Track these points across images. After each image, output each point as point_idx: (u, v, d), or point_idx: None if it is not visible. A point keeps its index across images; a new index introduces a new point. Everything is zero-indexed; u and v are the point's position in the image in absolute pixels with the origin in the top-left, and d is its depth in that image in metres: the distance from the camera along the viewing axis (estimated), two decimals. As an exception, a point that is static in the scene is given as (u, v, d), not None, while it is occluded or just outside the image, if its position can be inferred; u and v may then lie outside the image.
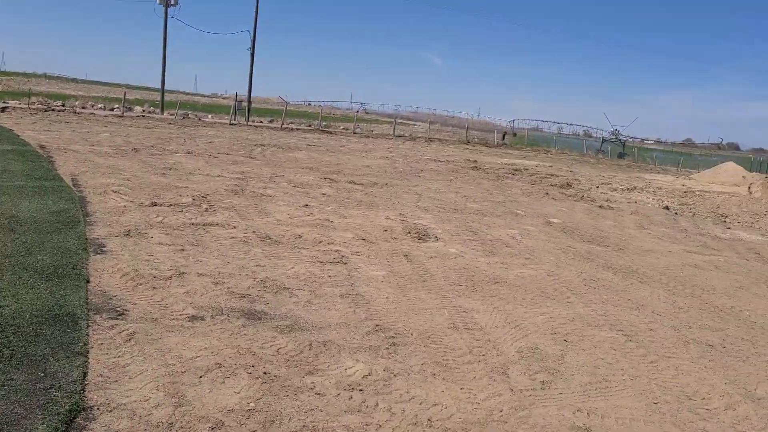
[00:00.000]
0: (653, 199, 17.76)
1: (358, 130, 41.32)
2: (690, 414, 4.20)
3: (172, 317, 4.89)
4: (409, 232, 9.02)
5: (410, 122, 70.73)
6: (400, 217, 10.25)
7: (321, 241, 8.00)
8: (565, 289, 6.95)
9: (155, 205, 9.02)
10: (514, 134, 59.53)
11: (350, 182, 14.28)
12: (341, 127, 41.91)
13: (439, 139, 42.16)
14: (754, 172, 30.23)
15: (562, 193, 16.76)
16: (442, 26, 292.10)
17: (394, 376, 4.24)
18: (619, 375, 4.72)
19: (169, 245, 7.00)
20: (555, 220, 11.83)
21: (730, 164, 28.80)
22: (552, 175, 21.82)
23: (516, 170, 22.24)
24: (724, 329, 6.20)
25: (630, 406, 4.21)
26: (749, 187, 17.81)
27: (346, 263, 7.07)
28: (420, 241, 8.63)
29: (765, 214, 15.11)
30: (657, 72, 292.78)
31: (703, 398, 4.49)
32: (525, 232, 10.18)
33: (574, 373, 4.66)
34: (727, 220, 15.01)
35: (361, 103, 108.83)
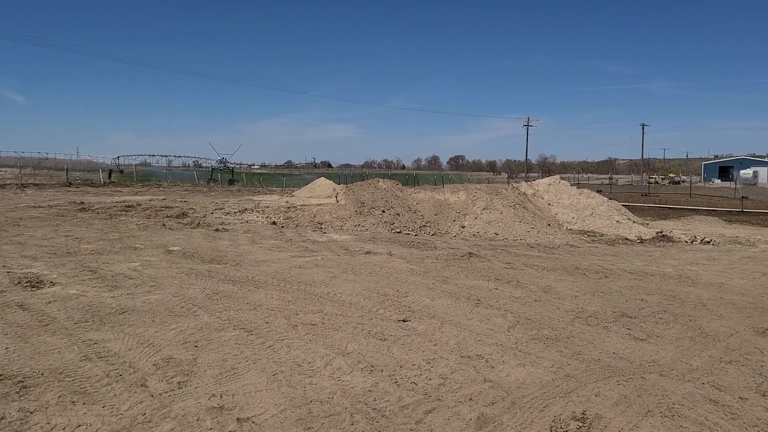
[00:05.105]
0: (262, 217, 19.60)
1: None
2: (300, 375, 5.30)
3: None
4: (19, 282, 8.46)
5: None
6: (4, 269, 9.42)
7: None
8: (191, 305, 7.58)
9: None
10: (121, 171, 57.50)
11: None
12: None
13: (35, 184, 38.10)
14: (341, 184, 35.43)
15: (179, 223, 17.28)
16: (21, 60, 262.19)
17: (31, 413, 4.29)
18: (244, 362, 5.58)
19: None
20: (175, 248, 12.33)
21: (322, 179, 33.20)
22: (167, 207, 22.06)
23: (129, 207, 21.81)
24: (322, 310, 7.66)
25: (255, 382, 5.09)
26: (336, 197, 21.10)
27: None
28: (34, 289, 8.20)
29: (349, 217, 18.22)
30: (253, 102, 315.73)
31: (309, 363, 5.67)
32: (147, 263, 10.45)
33: (206, 369, 5.35)
34: (322, 226, 17.63)
35: None
